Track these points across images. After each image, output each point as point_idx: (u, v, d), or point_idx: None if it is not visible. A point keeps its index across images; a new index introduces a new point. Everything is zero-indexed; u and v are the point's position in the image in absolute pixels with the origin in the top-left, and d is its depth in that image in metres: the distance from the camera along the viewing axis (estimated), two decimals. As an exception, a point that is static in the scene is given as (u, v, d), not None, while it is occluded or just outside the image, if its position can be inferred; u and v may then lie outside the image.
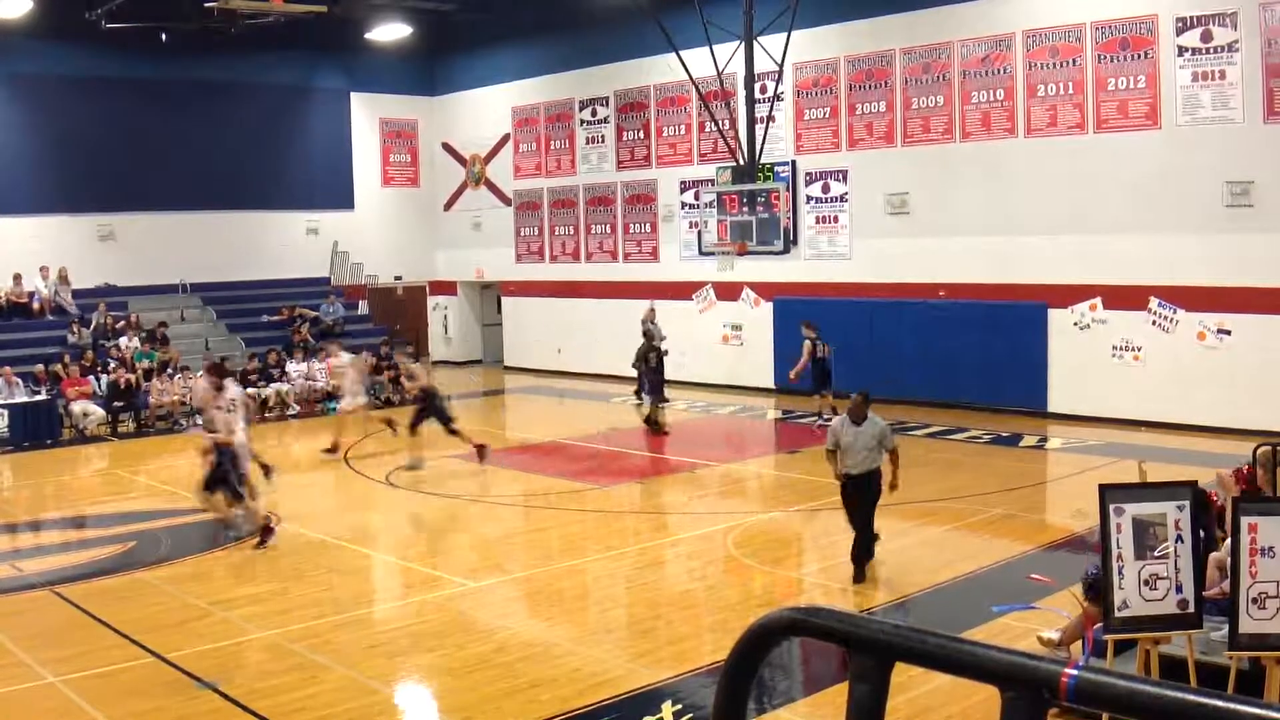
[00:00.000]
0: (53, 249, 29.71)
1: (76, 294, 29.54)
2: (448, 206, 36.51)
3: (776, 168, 26.94)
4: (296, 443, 24.96)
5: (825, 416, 21.92)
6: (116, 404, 25.74)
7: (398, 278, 36.12)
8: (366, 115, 35.66)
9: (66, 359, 26.55)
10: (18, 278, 28.88)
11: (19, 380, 25.37)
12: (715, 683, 2.22)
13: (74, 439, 24.84)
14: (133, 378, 26.11)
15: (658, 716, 9.31)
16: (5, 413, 24.32)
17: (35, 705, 10.01)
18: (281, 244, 33.47)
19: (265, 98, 33.17)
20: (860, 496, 13.07)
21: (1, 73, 29.46)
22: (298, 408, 27.47)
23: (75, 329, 28.15)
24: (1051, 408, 23.38)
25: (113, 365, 26.68)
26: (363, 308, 34.00)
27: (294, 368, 28.15)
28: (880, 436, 12.98)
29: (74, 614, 12.54)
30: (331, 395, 27.83)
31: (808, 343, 23.07)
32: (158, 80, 30.80)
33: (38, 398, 25.11)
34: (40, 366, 26.06)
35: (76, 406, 25.36)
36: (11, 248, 29.03)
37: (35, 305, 28.94)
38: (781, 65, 25.25)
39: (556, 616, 12.27)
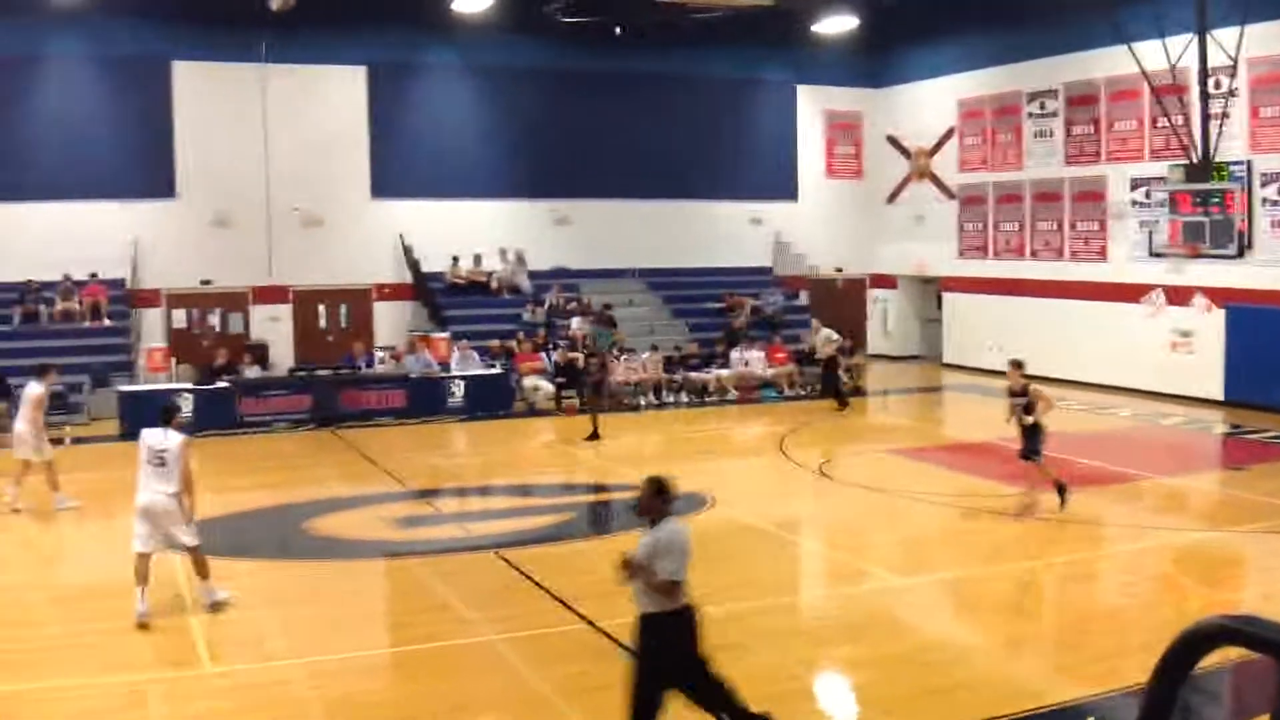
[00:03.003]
0: (512, 232, 31.45)
1: (532, 275, 31.06)
2: (890, 199, 36.22)
3: (1231, 167, 25.25)
4: (736, 427, 25.35)
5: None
6: (563, 380, 26.84)
7: (838, 270, 36.13)
8: (811, 107, 35.81)
9: (520, 336, 27.94)
10: (478, 258, 30.69)
11: (475, 353, 26.89)
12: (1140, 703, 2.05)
13: (524, 411, 26.07)
14: (580, 356, 27.16)
15: (1085, 732, 8.92)
16: (462, 383, 25.80)
17: (471, 659, 10.56)
18: (725, 233, 34.07)
19: (712, 90, 33.81)
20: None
21: (467, 64, 31.42)
22: (736, 393, 27.83)
23: (530, 308, 29.64)
24: None
25: (563, 344, 27.87)
26: (803, 299, 34.15)
27: (734, 355, 28.56)
28: (652, 553, 7.94)
29: (514, 576, 13.13)
30: (770, 384, 28.10)
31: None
32: (610, 72, 31.95)
33: (492, 371, 26.53)
34: (496, 342, 27.56)
35: (528, 381, 26.64)
36: (474, 229, 30.97)
37: (493, 285, 30.62)
38: (1235, 60, 23.71)
39: (980, 620, 11.92)
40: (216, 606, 11.96)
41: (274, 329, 30.12)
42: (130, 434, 23.18)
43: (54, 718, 9.46)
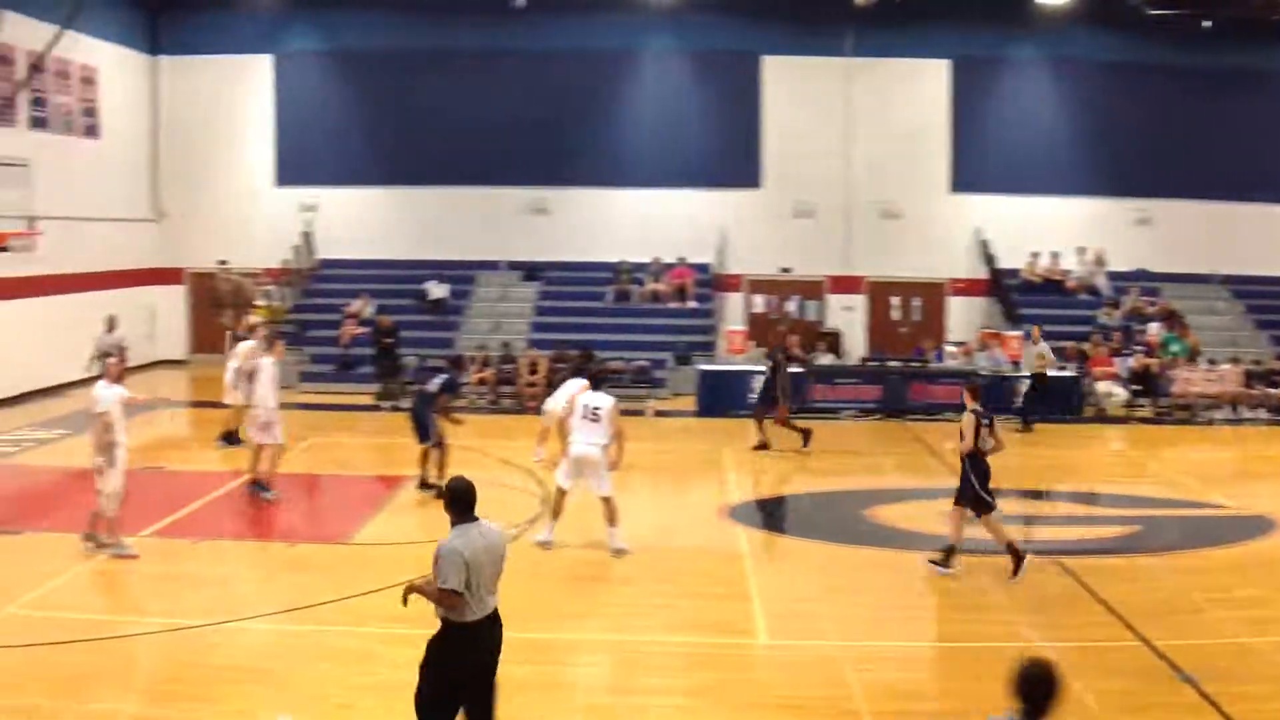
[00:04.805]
0: (1091, 230, 30.63)
1: (1111, 276, 30.14)
2: None
3: None
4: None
5: None
6: (1137, 388, 25.90)
7: None
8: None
9: (1095, 339, 27.19)
10: (1055, 256, 30.11)
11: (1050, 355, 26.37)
12: None
13: (1094, 417, 25.40)
14: (1155, 363, 26.12)
15: None
16: (1029, 384, 25.41)
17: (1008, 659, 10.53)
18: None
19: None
20: None
21: (1050, 58, 30.95)
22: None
23: (1106, 310, 28.77)
24: None
25: (1138, 350, 26.86)
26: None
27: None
28: (434, 558, 7.57)
29: (1071, 585, 12.98)
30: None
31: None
32: (1197, 67, 30.25)
33: (1064, 373, 25.97)
34: (1070, 343, 26.93)
35: (1100, 386, 25.92)
36: (1052, 226, 30.49)
37: (1069, 284, 29.97)
38: None
39: None
40: (618, 553, 13.71)
41: (847, 318, 30.88)
42: (707, 410, 24.67)
43: (629, 670, 10.33)
